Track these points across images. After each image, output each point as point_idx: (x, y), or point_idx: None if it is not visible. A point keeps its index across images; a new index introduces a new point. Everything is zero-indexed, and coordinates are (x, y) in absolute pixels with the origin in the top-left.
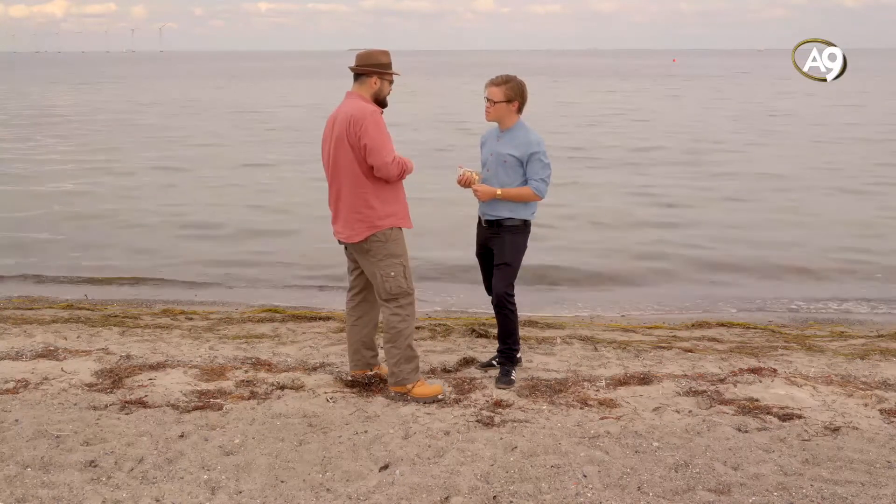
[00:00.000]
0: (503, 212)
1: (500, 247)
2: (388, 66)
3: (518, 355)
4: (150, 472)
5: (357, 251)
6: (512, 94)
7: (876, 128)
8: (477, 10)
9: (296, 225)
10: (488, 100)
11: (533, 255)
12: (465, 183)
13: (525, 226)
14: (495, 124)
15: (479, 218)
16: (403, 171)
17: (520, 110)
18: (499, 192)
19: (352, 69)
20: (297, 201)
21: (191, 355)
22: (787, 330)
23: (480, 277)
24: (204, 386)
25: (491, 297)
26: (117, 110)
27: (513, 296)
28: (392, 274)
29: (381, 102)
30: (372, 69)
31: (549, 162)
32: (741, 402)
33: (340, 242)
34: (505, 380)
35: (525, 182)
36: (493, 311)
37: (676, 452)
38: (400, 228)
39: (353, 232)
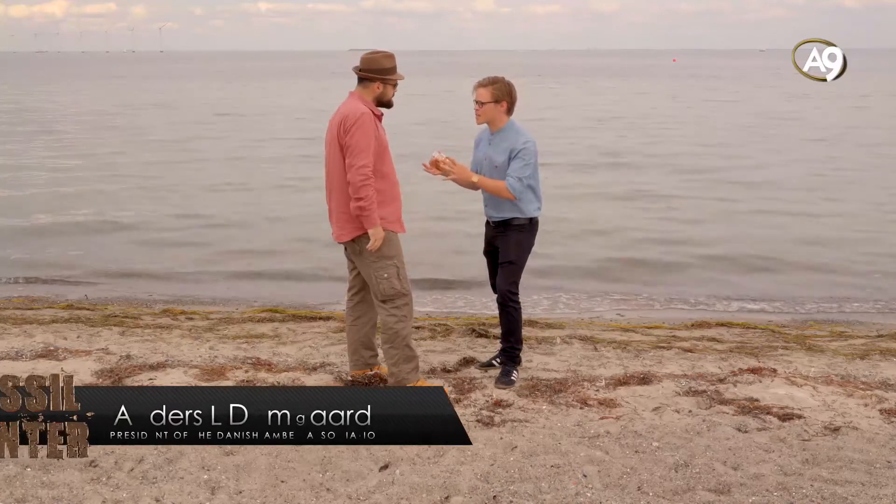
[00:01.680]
0: (508, 213)
1: (505, 244)
2: (392, 70)
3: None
4: (150, 472)
5: (352, 252)
6: (499, 94)
7: (877, 130)
8: (477, 10)
9: (296, 224)
10: (477, 102)
11: (534, 255)
12: (438, 170)
13: (531, 224)
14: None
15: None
16: (361, 193)
17: (509, 111)
18: (475, 178)
19: (355, 71)
20: (298, 201)
21: (191, 355)
22: (787, 330)
23: (481, 277)
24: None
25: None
26: (117, 111)
27: (517, 294)
28: (385, 276)
29: (385, 104)
30: (375, 75)
31: (533, 163)
32: (741, 402)
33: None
34: (505, 380)
35: None
36: (492, 311)
37: (676, 452)
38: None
39: (343, 231)
